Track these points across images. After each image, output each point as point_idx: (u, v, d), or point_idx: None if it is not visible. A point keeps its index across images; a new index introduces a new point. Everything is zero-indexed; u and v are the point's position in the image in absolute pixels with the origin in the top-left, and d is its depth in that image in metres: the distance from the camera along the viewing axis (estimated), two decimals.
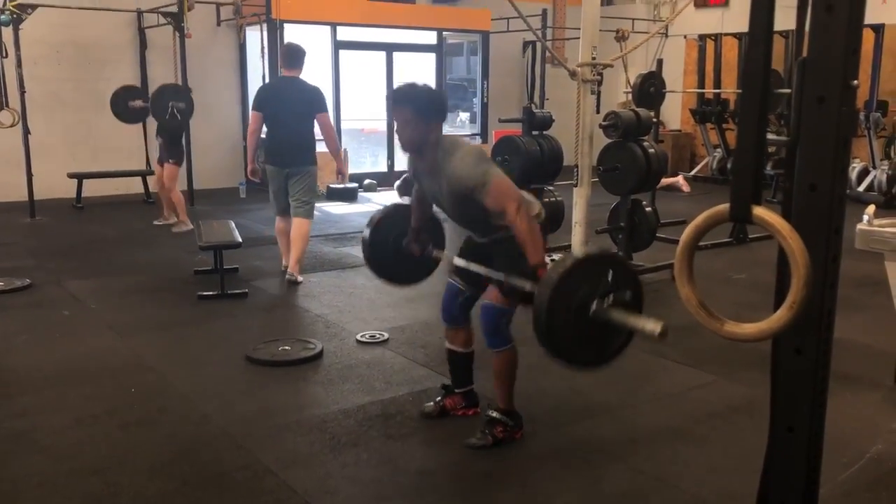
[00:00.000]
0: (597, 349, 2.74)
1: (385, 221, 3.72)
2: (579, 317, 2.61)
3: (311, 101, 6.10)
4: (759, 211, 1.46)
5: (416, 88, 3.25)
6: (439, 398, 3.72)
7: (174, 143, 8.22)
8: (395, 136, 3.39)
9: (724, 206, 1.50)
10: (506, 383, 3.41)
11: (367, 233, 3.72)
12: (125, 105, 9.20)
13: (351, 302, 5.67)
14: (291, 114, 5.99)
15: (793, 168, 1.58)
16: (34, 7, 8.64)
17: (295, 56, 6.19)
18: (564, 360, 2.71)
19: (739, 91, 8.56)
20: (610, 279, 2.68)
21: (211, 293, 5.71)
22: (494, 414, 3.41)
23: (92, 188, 9.90)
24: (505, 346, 3.38)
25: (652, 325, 2.58)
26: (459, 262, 3.44)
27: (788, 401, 1.63)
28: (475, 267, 3.34)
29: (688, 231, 1.55)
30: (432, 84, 11.95)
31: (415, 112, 3.19)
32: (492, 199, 3.08)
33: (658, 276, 6.33)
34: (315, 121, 6.11)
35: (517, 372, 3.45)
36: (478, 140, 12.98)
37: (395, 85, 3.63)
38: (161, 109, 8.21)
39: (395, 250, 3.69)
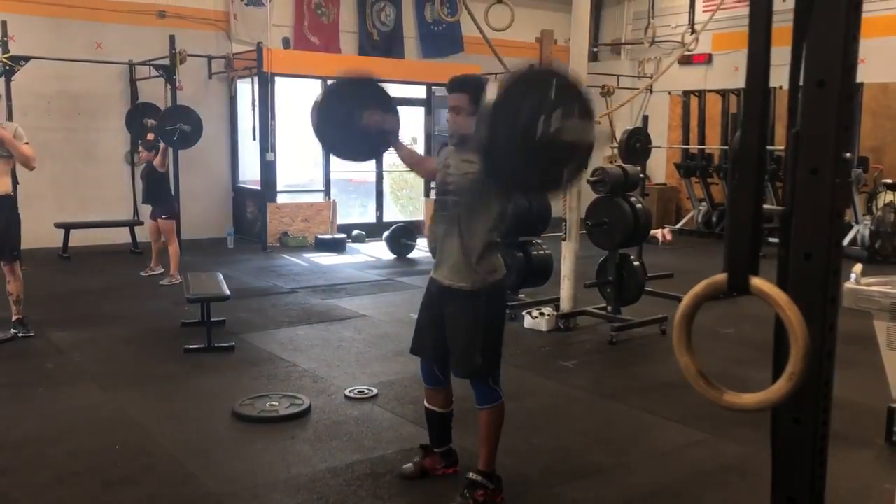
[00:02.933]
0: (548, 170, 2.67)
1: (345, 88, 3.84)
2: (526, 135, 2.59)
3: None
4: (757, 282, 1.47)
5: (474, 77, 3.31)
6: (417, 458, 3.67)
7: (162, 198, 8.21)
8: (448, 122, 3.37)
9: (721, 277, 1.51)
10: (491, 441, 3.37)
11: (320, 97, 3.82)
12: (140, 121, 9.29)
13: (339, 356, 5.63)
14: None
15: (788, 237, 1.60)
16: (27, 59, 8.72)
17: None
18: (512, 180, 2.70)
19: (724, 146, 8.73)
20: (553, 95, 2.62)
21: (197, 346, 5.65)
22: (475, 477, 3.34)
23: (79, 238, 9.86)
24: (494, 403, 3.36)
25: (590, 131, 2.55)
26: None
27: (788, 470, 1.62)
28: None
29: (686, 300, 1.56)
30: (421, 136, 12.13)
31: (471, 100, 3.24)
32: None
33: (647, 330, 6.34)
34: None
35: (503, 429, 3.41)
36: None
37: None
38: (169, 130, 8.27)
39: (346, 120, 3.73)
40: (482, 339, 3.24)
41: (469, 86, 3.27)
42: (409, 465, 3.67)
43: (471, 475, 3.36)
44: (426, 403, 3.59)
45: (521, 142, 2.60)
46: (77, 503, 3.35)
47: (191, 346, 5.66)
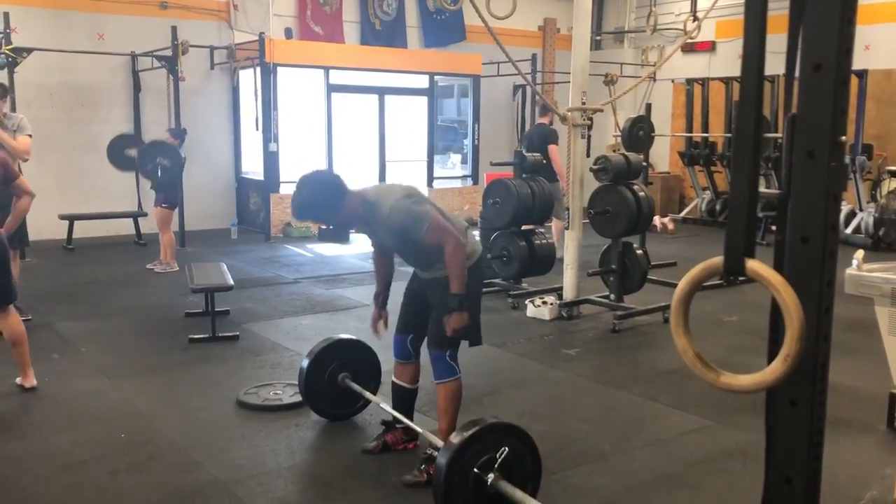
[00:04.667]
0: None
1: (325, 353, 4.07)
2: (478, 478, 2.88)
3: None
4: (753, 264, 1.49)
5: (302, 196, 3.33)
6: (380, 434, 3.80)
7: (165, 187, 8.24)
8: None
9: (718, 259, 1.52)
10: (449, 416, 3.48)
11: (304, 364, 4.07)
12: (122, 154, 9.18)
13: None
14: None
15: (784, 220, 1.61)
16: (30, 51, 8.72)
17: None
18: None
19: (727, 135, 8.69)
20: (512, 454, 2.94)
21: (202, 336, 5.68)
22: (433, 452, 3.41)
23: (83, 230, 9.89)
24: (451, 378, 3.46)
25: None
26: (386, 409, 3.75)
27: (784, 452, 1.63)
28: (402, 418, 3.67)
29: (683, 283, 1.57)
30: (424, 125, 12.12)
31: (321, 215, 3.40)
32: (430, 237, 3.27)
33: (650, 318, 6.36)
34: None
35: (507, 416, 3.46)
36: (469, 182, 13.07)
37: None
38: (148, 166, 8.21)
39: (329, 383, 4.05)
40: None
41: (306, 210, 3.36)
42: (373, 441, 3.79)
43: (428, 450, 3.46)
44: (394, 378, 3.75)
45: (475, 478, 2.90)
46: (84, 491, 3.38)
47: (195, 336, 5.69)
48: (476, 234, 8.16)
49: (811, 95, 1.52)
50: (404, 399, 3.75)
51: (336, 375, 4.03)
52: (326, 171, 3.51)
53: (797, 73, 1.57)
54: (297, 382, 4.69)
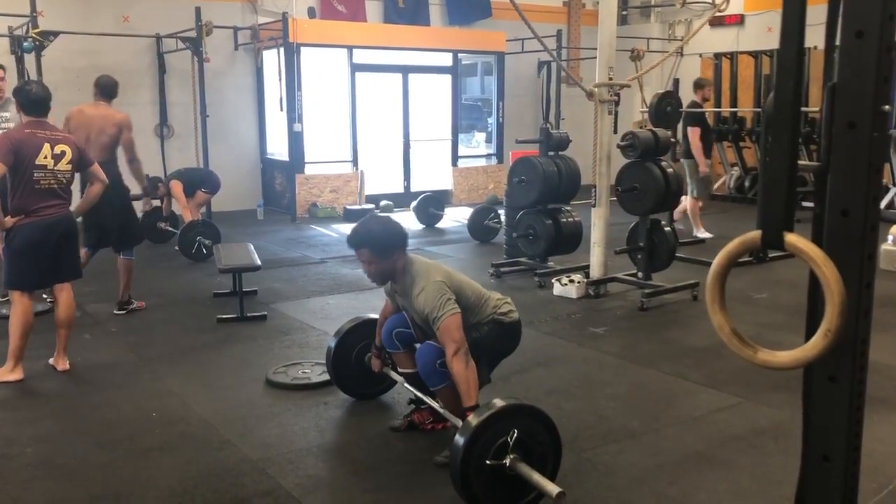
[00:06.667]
0: (512, 495, 2.96)
1: (352, 333, 4.07)
2: (494, 467, 2.88)
3: None
4: (792, 238, 1.45)
5: (369, 228, 3.44)
6: (408, 413, 3.82)
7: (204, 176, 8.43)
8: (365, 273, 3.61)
9: (755, 233, 1.49)
10: (458, 410, 3.42)
11: (332, 343, 4.07)
12: (154, 226, 8.79)
13: None
14: None
15: (823, 193, 1.57)
16: (56, 34, 8.77)
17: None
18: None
19: (757, 109, 8.59)
20: (525, 433, 2.93)
21: (230, 316, 5.73)
22: None
23: None
24: (441, 385, 3.44)
25: (551, 487, 2.80)
26: (412, 388, 3.71)
27: (823, 429, 1.60)
28: (427, 399, 3.61)
29: (719, 257, 1.53)
30: (447, 104, 12.05)
31: (372, 252, 3.41)
32: (440, 334, 3.30)
33: (678, 296, 6.30)
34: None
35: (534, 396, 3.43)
36: (493, 161, 13.00)
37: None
38: (188, 244, 7.92)
39: (358, 364, 4.04)
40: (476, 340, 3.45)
41: (364, 241, 3.42)
42: (398, 420, 3.83)
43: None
44: (401, 369, 3.79)
45: (490, 468, 2.90)
46: (119, 469, 3.43)
47: (224, 316, 5.74)
48: (502, 212, 8.15)
49: (853, 64, 1.47)
50: (420, 382, 3.71)
51: (363, 355, 4.04)
52: (399, 223, 3.61)
53: (838, 42, 1.52)
54: (324, 361, 4.73)
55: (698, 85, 9.11)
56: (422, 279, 3.38)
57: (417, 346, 3.60)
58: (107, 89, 6.13)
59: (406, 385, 3.77)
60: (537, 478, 2.86)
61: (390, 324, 3.72)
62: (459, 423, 3.17)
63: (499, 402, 2.99)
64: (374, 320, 4.13)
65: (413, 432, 3.75)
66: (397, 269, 3.44)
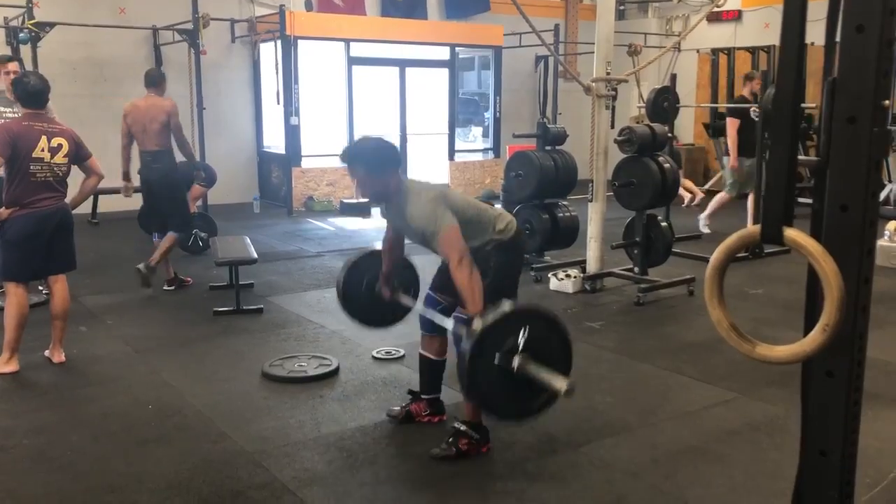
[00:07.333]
0: (521, 401, 2.91)
1: (360, 264, 3.93)
2: (502, 369, 2.81)
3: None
4: (791, 233, 1.45)
5: (363, 146, 3.38)
6: (406, 403, 3.81)
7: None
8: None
9: (755, 228, 1.49)
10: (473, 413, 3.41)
11: (341, 276, 3.93)
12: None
13: None
14: None
15: (822, 188, 1.57)
16: (52, 25, 8.74)
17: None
18: (488, 409, 2.94)
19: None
20: (535, 333, 2.85)
21: (226, 309, 5.72)
22: (461, 426, 3.40)
23: (107, 204, 9.95)
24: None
25: (560, 383, 2.75)
26: (423, 311, 3.61)
27: (820, 424, 1.61)
28: (438, 318, 3.49)
29: (718, 252, 1.54)
30: (444, 98, 12.03)
31: (367, 169, 3.34)
32: (440, 246, 3.23)
33: (674, 291, 6.31)
34: None
35: None
36: (490, 155, 13.00)
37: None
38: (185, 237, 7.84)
39: (368, 293, 3.90)
40: (490, 284, 3.26)
41: (357, 158, 3.36)
42: (397, 407, 3.83)
43: (457, 424, 3.43)
44: (421, 350, 3.72)
45: (499, 372, 2.83)
46: (114, 461, 3.43)
47: (220, 309, 5.74)
48: (499, 205, 8.15)
49: (853, 58, 1.47)
50: (430, 371, 3.74)
51: (373, 285, 3.89)
52: (393, 143, 3.53)
53: (838, 37, 1.52)
54: (321, 354, 4.73)
55: (748, 77, 8.64)
56: (415, 197, 3.30)
57: (454, 314, 3.43)
58: (151, 79, 6.48)
59: (420, 310, 3.63)
60: (545, 375, 2.78)
61: (429, 304, 3.59)
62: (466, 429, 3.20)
63: (508, 306, 2.93)
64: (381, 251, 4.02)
65: (410, 425, 3.76)
66: (391, 188, 3.35)
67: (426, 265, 3.92)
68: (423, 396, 3.77)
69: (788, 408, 3.85)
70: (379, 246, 3.97)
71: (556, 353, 2.92)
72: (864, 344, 1.59)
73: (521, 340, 2.81)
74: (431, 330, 3.63)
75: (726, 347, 1.60)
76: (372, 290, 3.87)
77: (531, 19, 5.87)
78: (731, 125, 8.34)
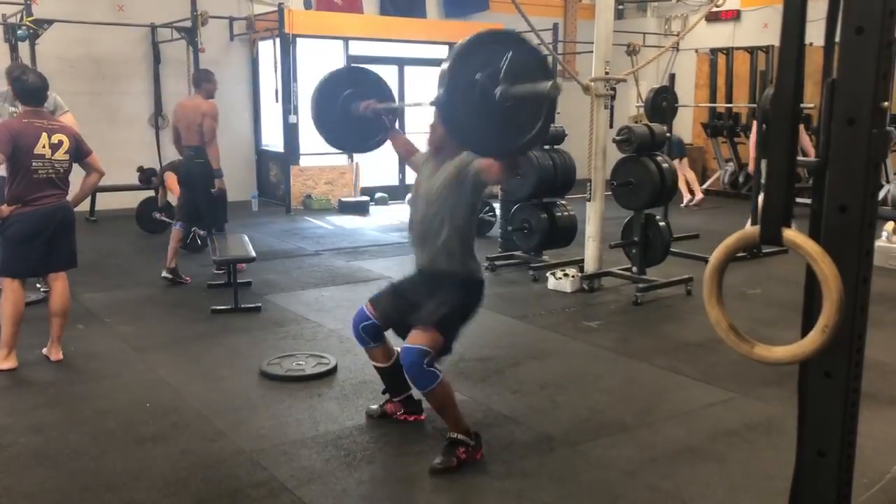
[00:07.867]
0: (507, 132, 2.84)
1: (336, 78, 3.90)
2: (483, 97, 2.73)
3: None
4: (790, 234, 1.45)
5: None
6: (382, 403, 3.87)
7: None
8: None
9: (754, 229, 1.49)
10: (449, 413, 3.41)
11: (316, 87, 3.88)
12: (149, 217, 8.87)
13: None
14: None
15: (821, 189, 1.57)
16: (50, 22, 8.73)
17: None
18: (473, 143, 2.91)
19: (752, 105, 8.47)
20: (508, 59, 2.74)
21: (224, 307, 5.72)
22: (455, 436, 3.38)
23: (105, 202, 9.95)
24: (432, 385, 3.33)
25: (543, 86, 2.66)
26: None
27: (818, 424, 1.61)
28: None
29: (717, 252, 1.54)
30: None
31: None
32: (482, 171, 3.30)
33: (672, 291, 6.31)
34: None
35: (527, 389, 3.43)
36: None
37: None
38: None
39: (342, 112, 3.88)
40: (450, 312, 3.35)
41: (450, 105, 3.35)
42: (375, 406, 3.90)
43: (451, 435, 3.39)
44: (370, 360, 3.75)
45: (480, 101, 2.74)
46: (111, 459, 3.42)
47: (218, 307, 5.73)
48: (497, 206, 8.15)
49: (852, 60, 1.48)
50: (387, 376, 3.74)
51: (349, 103, 3.89)
52: None
53: (837, 37, 1.53)
54: (319, 353, 4.73)
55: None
56: (458, 159, 3.40)
57: (403, 344, 3.44)
58: (194, 81, 7.01)
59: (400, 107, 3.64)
60: (530, 86, 2.69)
61: (356, 320, 3.64)
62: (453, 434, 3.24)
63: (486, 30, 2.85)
64: (361, 68, 4.19)
65: (408, 424, 3.76)
66: (452, 146, 3.42)
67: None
68: (393, 399, 3.81)
69: (786, 408, 3.85)
70: (355, 65, 4.06)
71: (534, 73, 2.80)
72: (863, 345, 1.59)
73: (502, 65, 2.71)
74: (366, 343, 3.66)
75: (724, 347, 1.60)
76: (347, 108, 3.88)
77: (530, 18, 5.87)
78: (757, 128, 8.16)
